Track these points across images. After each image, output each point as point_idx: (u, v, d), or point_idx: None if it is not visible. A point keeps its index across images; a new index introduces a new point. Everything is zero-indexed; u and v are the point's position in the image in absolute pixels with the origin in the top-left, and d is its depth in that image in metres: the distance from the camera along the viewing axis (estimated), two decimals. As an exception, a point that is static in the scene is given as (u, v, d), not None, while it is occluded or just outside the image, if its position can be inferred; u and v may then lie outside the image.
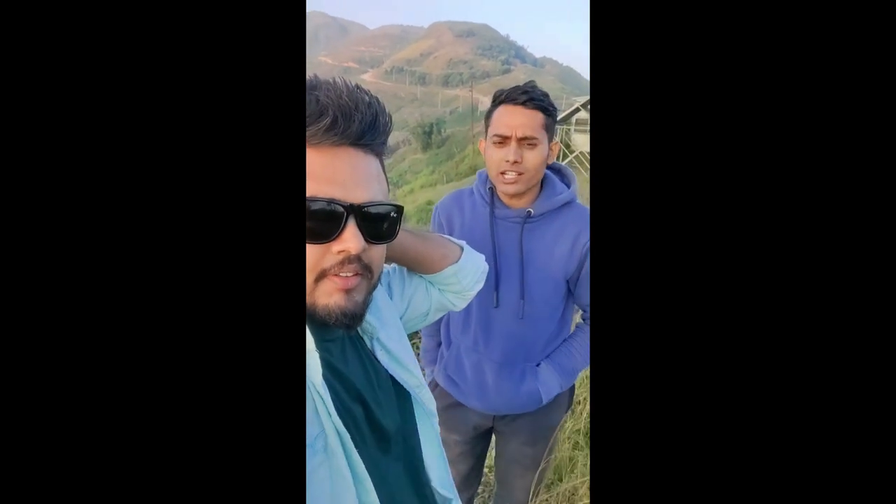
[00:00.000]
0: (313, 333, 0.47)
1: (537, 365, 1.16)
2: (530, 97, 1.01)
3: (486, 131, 1.09)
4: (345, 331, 0.55)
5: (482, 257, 0.83)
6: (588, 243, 1.07)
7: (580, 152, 22.03)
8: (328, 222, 0.47)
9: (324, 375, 0.48)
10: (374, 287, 0.54)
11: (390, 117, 0.53)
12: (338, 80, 0.49)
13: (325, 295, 0.48)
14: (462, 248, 0.78)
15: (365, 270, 0.50)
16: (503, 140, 1.03)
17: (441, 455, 0.65)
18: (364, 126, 0.48)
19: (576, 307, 1.21)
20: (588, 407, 1.96)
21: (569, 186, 1.13)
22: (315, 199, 0.46)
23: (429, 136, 54.54)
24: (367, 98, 0.49)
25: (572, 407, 1.56)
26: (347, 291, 0.49)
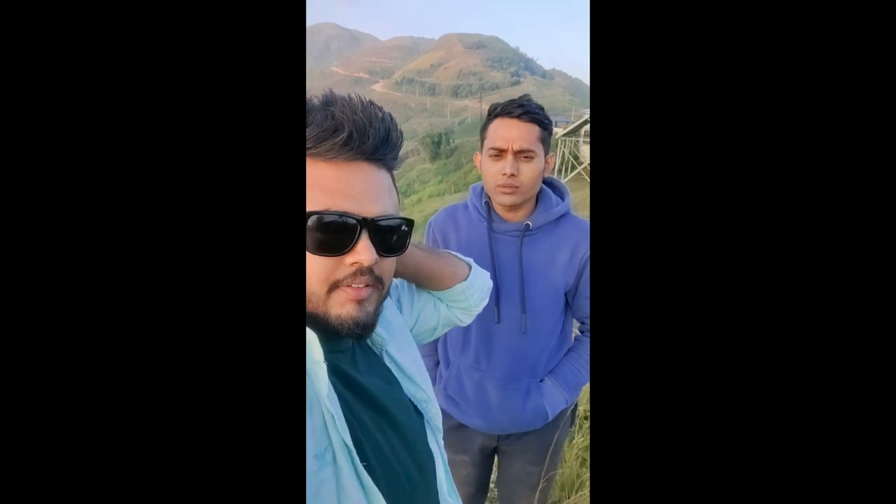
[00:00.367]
0: (323, 344, 0.47)
1: (541, 380, 1.15)
2: (526, 110, 1.02)
3: (482, 144, 1.09)
4: (355, 340, 0.56)
5: (488, 275, 0.84)
6: (586, 254, 1.07)
7: (589, 164, 21.98)
8: (342, 235, 0.48)
9: (334, 384, 0.48)
10: (385, 298, 0.55)
11: (402, 132, 0.54)
12: (353, 96, 0.50)
13: (337, 305, 0.49)
14: (470, 267, 0.79)
15: (376, 282, 0.51)
16: (500, 153, 1.03)
17: (448, 474, 0.65)
18: (377, 141, 0.50)
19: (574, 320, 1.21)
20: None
21: (563, 199, 1.13)
22: (329, 213, 0.47)
23: (437, 146, 54.95)
24: (380, 114, 0.51)
25: (577, 422, 1.54)
26: (360, 302, 0.50)
